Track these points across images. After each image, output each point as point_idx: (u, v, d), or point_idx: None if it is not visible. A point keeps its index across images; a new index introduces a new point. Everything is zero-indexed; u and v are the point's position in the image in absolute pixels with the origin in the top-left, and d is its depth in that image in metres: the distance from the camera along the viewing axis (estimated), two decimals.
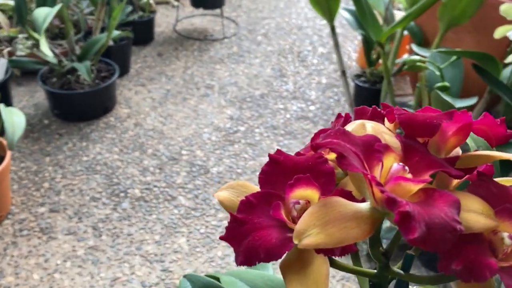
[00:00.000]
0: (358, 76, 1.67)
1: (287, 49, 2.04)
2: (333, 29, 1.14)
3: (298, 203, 0.26)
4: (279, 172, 0.28)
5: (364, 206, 0.23)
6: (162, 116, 1.59)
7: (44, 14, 1.20)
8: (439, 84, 0.89)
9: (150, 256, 1.12)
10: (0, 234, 1.15)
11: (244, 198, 0.27)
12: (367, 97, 1.64)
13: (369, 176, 0.22)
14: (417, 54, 1.14)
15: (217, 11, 2.17)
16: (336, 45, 1.16)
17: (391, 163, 0.24)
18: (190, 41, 2.06)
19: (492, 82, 0.86)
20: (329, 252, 0.25)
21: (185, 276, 0.36)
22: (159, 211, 1.24)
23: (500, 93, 0.84)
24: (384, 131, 0.27)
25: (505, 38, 0.91)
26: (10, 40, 1.72)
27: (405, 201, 0.21)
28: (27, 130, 1.48)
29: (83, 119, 1.53)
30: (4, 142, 1.12)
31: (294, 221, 0.26)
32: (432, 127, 0.25)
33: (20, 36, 1.67)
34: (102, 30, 1.62)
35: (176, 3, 2.21)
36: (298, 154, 0.30)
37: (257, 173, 1.31)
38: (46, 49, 1.14)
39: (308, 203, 0.27)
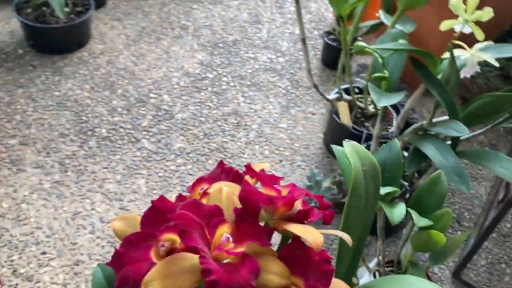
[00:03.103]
0: (328, 34, 1.72)
1: None
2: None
3: (164, 245, 0.36)
4: (158, 217, 0.38)
5: (197, 262, 0.34)
6: (135, 56, 1.64)
7: None
8: (377, 75, 0.97)
9: (110, 194, 1.24)
10: None
11: (126, 236, 0.37)
12: (335, 55, 1.70)
13: (199, 248, 0.32)
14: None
15: None
16: (299, 14, 1.21)
17: (223, 233, 0.34)
18: None
19: (426, 79, 0.95)
20: None
21: (98, 265, 0.47)
22: (123, 152, 1.35)
23: (433, 91, 0.93)
24: (235, 194, 0.37)
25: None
26: None
27: (216, 269, 0.31)
28: (1, 59, 1.53)
29: (57, 52, 1.58)
30: None
31: (162, 258, 0.36)
32: (260, 206, 0.35)
33: None
34: None
35: None
36: (180, 197, 0.40)
37: (219, 123, 1.44)
38: None
39: (173, 244, 0.37)
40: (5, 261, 1.07)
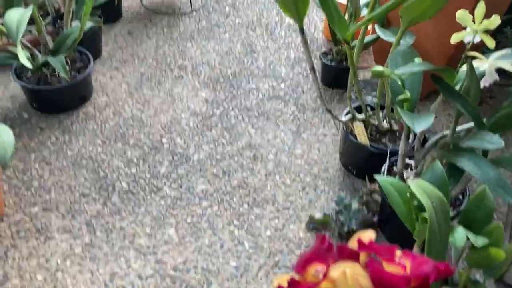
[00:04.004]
0: (325, 54, 1.74)
1: (255, 21, 2.07)
2: (302, 30, 1.20)
3: None
4: None
5: None
6: (140, 103, 1.64)
7: (16, 21, 1.20)
8: (401, 98, 0.98)
9: (143, 249, 1.23)
10: None
11: None
12: (334, 75, 1.72)
13: None
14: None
15: None
16: (305, 44, 1.22)
17: None
18: (159, 16, 2.06)
19: (447, 92, 0.96)
20: None
21: None
22: (147, 203, 1.34)
23: (456, 103, 0.95)
24: (359, 274, 0.37)
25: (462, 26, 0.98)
26: None
27: None
28: (7, 126, 1.51)
29: (62, 111, 1.57)
30: None
31: None
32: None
33: None
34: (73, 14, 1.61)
35: None
36: (292, 282, 0.40)
37: (235, 159, 1.44)
38: (24, 60, 1.16)
39: None
40: None
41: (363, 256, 0.38)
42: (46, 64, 1.51)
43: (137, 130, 1.54)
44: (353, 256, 0.39)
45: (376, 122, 1.40)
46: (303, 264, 0.41)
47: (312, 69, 1.30)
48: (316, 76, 1.30)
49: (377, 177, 0.74)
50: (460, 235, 0.74)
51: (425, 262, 0.38)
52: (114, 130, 1.54)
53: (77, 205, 1.32)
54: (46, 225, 1.26)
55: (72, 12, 1.55)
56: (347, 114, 1.41)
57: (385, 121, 1.41)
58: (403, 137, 1.12)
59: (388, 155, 1.25)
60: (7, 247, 1.21)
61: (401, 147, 1.13)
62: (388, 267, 0.37)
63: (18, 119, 1.56)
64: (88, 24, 1.52)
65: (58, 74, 1.51)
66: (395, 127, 1.39)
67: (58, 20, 1.73)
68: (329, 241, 0.42)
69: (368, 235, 0.41)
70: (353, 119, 1.39)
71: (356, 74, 1.29)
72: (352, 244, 0.40)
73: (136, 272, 1.18)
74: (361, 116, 1.39)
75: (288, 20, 2.07)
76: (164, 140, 1.52)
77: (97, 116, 1.58)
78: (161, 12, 2.08)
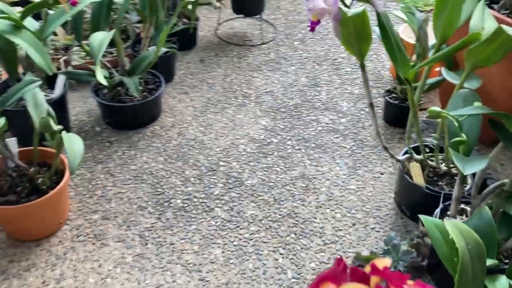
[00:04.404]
0: (389, 92, 1.74)
1: (322, 56, 2.10)
2: (363, 67, 1.22)
3: None
4: None
5: None
6: (203, 126, 1.72)
7: (99, 42, 1.32)
8: (456, 140, 0.97)
9: (189, 265, 1.27)
10: (60, 239, 1.32)
11: None
12: (397, 113, 1.71)
13: None
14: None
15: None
16: (366, 80, 1.24)
17: None
18: (230, 46, 2.16)
19: (507, 140, 0.93)
20: None
21: None
22: (198, 222, 1.38)
23: None
24: None
25: None
26: (66, 49, 1.87)
27: None
28: (81, 136, 1.64)
29: (132, 128, 1.68)
30: (65, 159, 1.28)
31: None
32: None
33: (75, 47, 1.81)
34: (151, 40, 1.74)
35: (218, 5, 2.30)
36: None
37: (288, 188, 1.46)
38: (101, 77, 1.27)
39: None
40: None
41: (374, 280, 0.39)
42: (121, 83, 1.63)
43: (197, 151, 1.61)
44: (364, 279, 0.40)
45: (434, 164, 1.37)
46: (316, 283, 0.42)
47: (371, 105, 1.31)
48: (375, 112, 1.31)
49: (421, 216, 0.73)
50: (501, 284, 0.71)
51: None
52: (176, 150, 1.62)
53: (133, 217, 1.39)
54: (103, 232, 1.34)
55: (150, 38, 1.67)
56: (405, 153, 1.40)
57: (443, 163, 1.38)
58: (457, 180, 1.09)
59: (441, 198, 1.21)
60: (66, 248, 1.30)
61: (455, 191, 1.10)
62: None
63: (91, 132, 1.68)
64: (163, 50, 1.62)
65: (131, 93, 1.62)
66: (455, 170, 1.36)
67: (137, 44, 1.86)
68: (344, 263, 0.43)
69: (384, 262, 0.42)
70: (411, 159, 1.37)
71: (416, 114, 1.28)
72: (367, 269, 0.41)
73: (180, 287, 1.21)
74: (419, 156, 1.37)
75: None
76: (221, 163, 1.57)
77: (162, 135, 1.67)
78: (232, 43, 2.18)
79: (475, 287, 0.54)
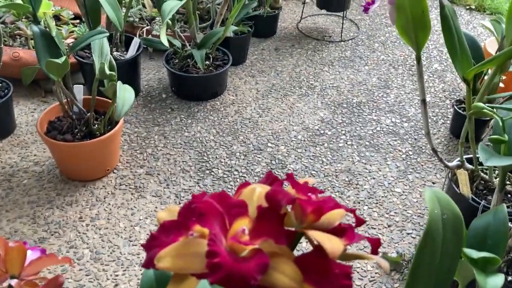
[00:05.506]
0: (459, 102, 1.64)
1: (401, 60, 2.03)
2: (419, 59, 1.16)
3: (192, 234, 0.38)
4: (193, 210, 0.40)
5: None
6: (261, 108, 1.74)
7: (170, 8, 1.40)
8: (494, 137, 0.89)
9: None
10: (105, 184, 1.41)
11: (162, 222, 0.39)
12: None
13: (212, 232, 0.33)
14: None
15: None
16: (420, 75, 1.18)
17: (241, 225, 0.35)
18: (308, 39, 2.17)
19: None
20: (197, 276, 0.36)
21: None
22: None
23: None
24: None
25: None
26: (151, 20, 2.00)
27: (222, 254, 0.32)
28: (146, 100, 1.75)
29: (194, 99, 1.75)
30: None
31: None
32: (282, 205, 0.35)
33: (158, 18, 1.93)
34: (223, 22, 1.80)
35: None
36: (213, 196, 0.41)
37: (329, 179, 1.43)
38: (164, 38, 1.35)
39: (202, 235, 0.38)
40: (111, 275, 1.17)
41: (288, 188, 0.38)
42: (191, 55, 1.71)
43: (249, 130, 1.64)
44: (276, 183, 0.40)
45: (486, 177, 1.27)
46: (238, 188, 0.42)
47: (423, 101, 1.24)
48: (426, 110, 1.24)
49: (426, 188, 0.69)
50: (495, 281, 0.64)
51: (331, 201, 0.37)
52: (230, 126, 1.66)
53: (175, 177, 1.45)
54: (144, 186, 1.41)
55: (224, 16, 1.73)
56: (457, 162, 1.31)
57: (498, 179, 1.27)
58: (496, 189, 1.01)
59: (480, 211, 1.12)
60: (108, 193, 1.39)
61: (493, 200, 1.01)
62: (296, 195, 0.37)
63: (157, 97, 1.78)
64: (233, 28, 1.68)
65: (198, 66, 1.69)
66: (510, 187, 1.25)
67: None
68: (273, 174, 0.42)
69: (308, 180, 0.41)
70: (461, 166, 1.28)
71: (471, 119, 1.20)
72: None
73: None
74: (470, 166, 1.27)
75: (436, 66, 2.00)
76: (269, 144, 1.58)
77: (220, 110, 1.72)
78: (311, 37, 2.19)
79: (445, 261, 0.51)
